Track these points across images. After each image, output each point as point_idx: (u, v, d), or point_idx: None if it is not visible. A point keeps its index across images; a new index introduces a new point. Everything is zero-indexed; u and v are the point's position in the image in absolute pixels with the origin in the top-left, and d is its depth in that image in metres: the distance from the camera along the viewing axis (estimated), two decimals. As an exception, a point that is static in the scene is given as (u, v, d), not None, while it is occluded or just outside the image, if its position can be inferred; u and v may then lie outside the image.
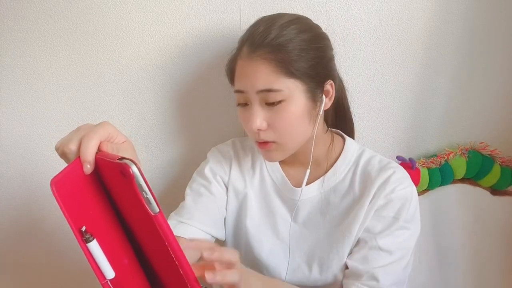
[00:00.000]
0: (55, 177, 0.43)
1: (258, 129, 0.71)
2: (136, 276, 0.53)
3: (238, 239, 0.83)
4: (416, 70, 0.97)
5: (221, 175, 0.84)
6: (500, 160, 1.02)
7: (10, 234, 1.04)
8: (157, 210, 0.42)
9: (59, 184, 0.43)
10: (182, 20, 0.91)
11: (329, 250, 0.76)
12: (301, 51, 0.68)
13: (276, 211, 0.81)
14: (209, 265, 0.52)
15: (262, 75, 0.68)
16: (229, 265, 0.53)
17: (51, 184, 0.42)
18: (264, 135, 0.72)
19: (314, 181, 0.79)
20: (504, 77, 1.00)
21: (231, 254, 0.53)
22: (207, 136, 0.99)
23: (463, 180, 1.05)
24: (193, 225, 0.76)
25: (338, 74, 0.81)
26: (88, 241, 0.45)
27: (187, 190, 0.83)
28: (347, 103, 0.88)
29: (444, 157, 1.01)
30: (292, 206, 0.80)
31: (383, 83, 0.97)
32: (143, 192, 0.41)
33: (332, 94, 0.75)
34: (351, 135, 0.89)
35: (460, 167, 1.01)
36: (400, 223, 0.72)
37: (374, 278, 0.70)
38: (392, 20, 0.92)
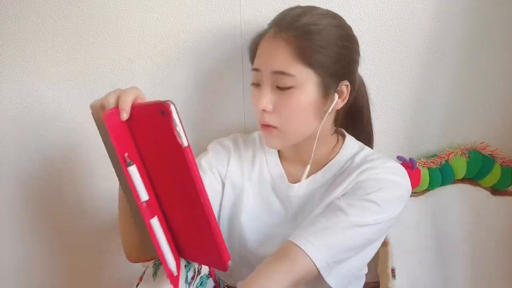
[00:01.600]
0: (105, 112, 0.52)
1: (263, 110, 0.71)
2: (158, 209, 0.59)
3: (232, 233, 0.83)
4: (416, 70, 0.97)
5: (218, 168, 0.83)
6: (501, 160, 1.03)
7: (7, 235, 1.04)
8: (187, 143, 0.49)
9: (108, 118, 0.52)
10: (182, 20, 0.91)
11: None
12: (326, 43, 0.68)
13: (271, 206, 0.81)
14: None
15: (279, 56, 0.68)
16: None
17: (103, 116, 0.52)
18: (268, 117, 0.72)
19: (308, 177, 0.79)
20: (505, 77, 1.00)
21: None
22: (208, 136, 0.99)
23: (463, 180, 1.05)
24: None
25: (361, 80, 0.81)
26: (129, 165, 0.54)
27: None
28: (368, 112, 0.86)
29: (444, 157, 1.01)
30: (286, 202, 0.80)
31: (384, 83, 0.98)
32: (177, 127, 0.48)
33: (346, 96, 0.74)
34: (369, 145, 0.86)
35: (460, 167, 1.01)
36: (372, 196, 0.68)
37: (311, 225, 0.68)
38: (392, 20, 0.93)
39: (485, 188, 1.06)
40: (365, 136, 0.87)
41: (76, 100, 0.96)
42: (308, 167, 0.76)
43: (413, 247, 1.04)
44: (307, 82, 0.69)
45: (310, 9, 0.72)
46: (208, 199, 0.52)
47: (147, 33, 0.92)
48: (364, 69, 0.95)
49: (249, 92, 0.77)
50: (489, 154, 1.02)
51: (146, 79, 0.95)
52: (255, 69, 0.73)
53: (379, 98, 0.99)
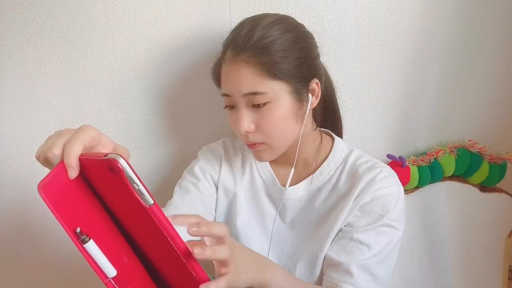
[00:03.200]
0: (41, 181, 0.42)
1: (246, 132, 0.72)
2: (138, 273, 0.52)
3: None
4: (405, 69, 0.98)
5: (211, 174, 0.84)
6: (489, 157, 1.03)
7: None
8: (152, 201, 0.42)
9: (47, 188, 0.42)
10: (172, 20, 0.91)
11: (315, 248, 0.76)
12: (284, 52, 0.68)
13: (265, 210, 0.82)
14: (198, 242, 0.49)
15: (246, 78, 0.68)
16: (218, 240, 0.51)
17: (38, 189, 0.41)
18: (252, 137, 0.72)
19: (302, 180, 0.80)
20: (492, 76, 1.01)
21: (219, 228, 0.51)
22: (198, 136, 0.99)
23: (452, 177, 1.06)
24: None
25: (325, 72, 0.81)
26: (84, 242, 0.44)
27: (176, 188, 0.83)
28: (336, 99, 0.88)
29: (433, 155, 1.02)
30: (280, 206, 0.80)
31: (373, 82, 0.98)
32: (135, 185, 0.40)
33: (318, 92, 0.75)
34: (340, 132, 0.89)
35: (449, 165, 1.02)
36: (385, 220, 0.72)
37: (348, 273, 0.69)
38: (381, 19, 0.93)
39: (473, 185, 1.07)
40: (339, 122, 0.89)
41: (67, 101, 0.95)
42: (293, 170, 0.77)
43: (403, 243, 1.05)
44: (279, 93, 0.69)
45: (257, 22, 0.70)
46: (190, 255, 0.45)
47: (137, 33, 0.91)
48: (354, 68, 0.96)
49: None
50: (477, 152, 1.03)
51: (136, 80, 0.95)
52: (226, 95, 0.73)
53: (368, 97, 0.99)
